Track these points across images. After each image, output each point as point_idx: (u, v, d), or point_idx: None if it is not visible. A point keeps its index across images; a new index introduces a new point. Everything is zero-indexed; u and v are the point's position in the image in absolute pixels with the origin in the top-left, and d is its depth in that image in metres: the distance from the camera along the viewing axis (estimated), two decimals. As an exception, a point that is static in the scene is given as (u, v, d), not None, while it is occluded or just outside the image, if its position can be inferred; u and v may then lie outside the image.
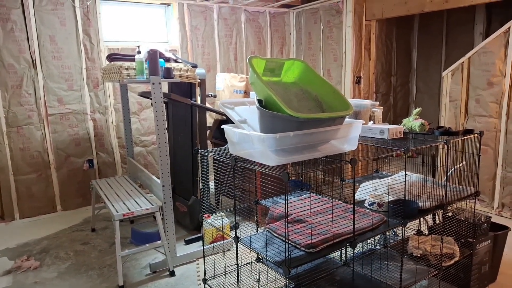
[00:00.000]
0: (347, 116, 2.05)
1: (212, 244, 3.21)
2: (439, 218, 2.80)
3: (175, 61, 3.30)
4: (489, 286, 2.58)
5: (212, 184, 4.76)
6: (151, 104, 3.43)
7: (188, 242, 3.47)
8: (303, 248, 1.56)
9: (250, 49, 5.60)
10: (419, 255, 2.15)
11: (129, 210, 2.81)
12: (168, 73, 2.92)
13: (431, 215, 2.76)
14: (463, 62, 4.07)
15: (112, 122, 4.62)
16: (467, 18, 5.69)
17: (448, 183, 2.23)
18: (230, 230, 3.46)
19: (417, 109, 2.52)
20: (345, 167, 2.60)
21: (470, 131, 2.23)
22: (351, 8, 5.03)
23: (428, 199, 2.06)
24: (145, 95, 3.74)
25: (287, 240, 1.58)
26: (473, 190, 2.23)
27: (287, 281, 1.63)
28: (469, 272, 2.33)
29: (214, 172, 3.92)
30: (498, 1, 3.79)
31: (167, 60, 3.21)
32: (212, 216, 3.32)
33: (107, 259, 3.21)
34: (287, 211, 1.92)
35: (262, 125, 1.66)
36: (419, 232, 2.51)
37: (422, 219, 2.67)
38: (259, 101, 1.69)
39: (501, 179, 3.78)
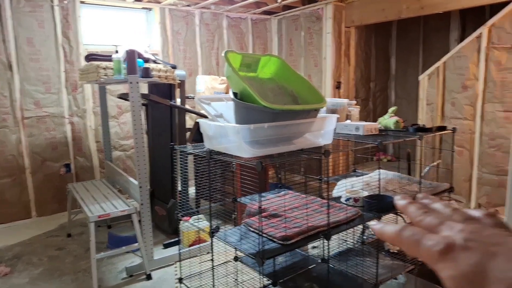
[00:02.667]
0: (324, 112, 2.07)
1: (189, 248, 3.16)
2: (416, 217, 2.82)
3: (154, 62, 3.28)
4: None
5: (192, 187, 4.71)
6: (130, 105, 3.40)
7: (166, 246, 3.41)
8: (278, 241, 1.55)
9: (232, 54, 5.61)
10: (395, 251, 2.17)
11: (105, 211, 2.75)
12: (146, 72, 2.90)
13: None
14: (438, 66, 4.17)
15: (90, 126, 4.55)
16: (442, 25, 5.85)
17: (423, 179, 2.26)
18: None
19: (393, 108, 2.56)
20: (324, 166, 2.61)
21: (443, 128, 2.28)
22: (330, 15, 5.11)
23: (403, 194, 2.08)
24: (124, 96, 3.70)
25: (261, 232, 1.56)
26: (448, 186, 2.26)
27: (261, 271, 1.61)
28: (445, 268, 2.34)
29: (194, 173, 3.87)
30: (471, 7, 3.91)
31: (146, 60, 3.19)
32: (191, 219, 3.28)
33: (82, 264, 3.13)
34: (264, 206, 1.91)
35: (237, 117, 1.66)
36: (396, 230, 2.52)
37: (399, 216, 2.70)
38: (235, 94, 1.69)
39: (477, 180, 3.86)
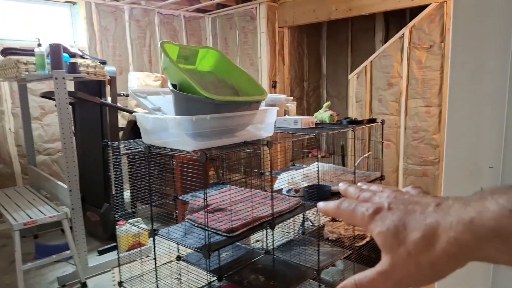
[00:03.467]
0: (263, 105, 2.09)
1: (129, 252, 3.02)
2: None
3: (82, 57, 3.08)
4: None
5: (127, 190, 4.50)
6: (56, 105, 3.13)
7: (102, 253, 3.21)
8: (224, 234, 1.53)
9: (165, 53, 5.47)
10: (334, 239, 2.25)
11: (31, 219, 2.52)
12: (73, 68, 2.71)
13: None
14: (366, 65, 4.42)
15: (10, 129, 4.15)
16: (368, 27, 6.22)
17: (356, 169, 2.37)
18: (149, 237, 3.30)
19: (327, 103, 2.66)
20: (264, 161, 2.64)
21: (373, 120, 2.41)
22: (264, 14, 5.19)
23: (339, 183, 2.17)
24: (48, 95, 3.43)
25: (206, 225, 1.53)
26: (379, 174, 2.41)
27: (208, 267, 1.57)
28: (379, 252, 2.48)
29: (128, 175, 3.70)
30: (394, 10, 4.21)
31: (73, 55, 2.99)
32: (127, 222, 3.13)
33: (5, 279, 2.84)
34: (207, 202, 1.87)
35: (177, 110, 1.61)
36: (333, 219, 2.63)
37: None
38: (174, 86, 1.64)
39: (403, 170, 4.16)
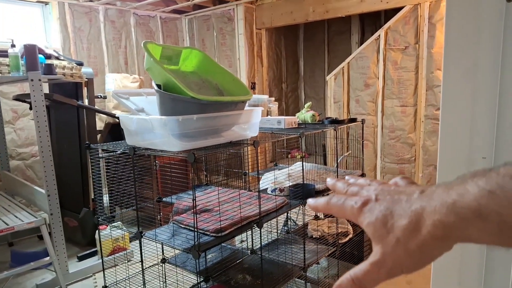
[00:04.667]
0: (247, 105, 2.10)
1: (113, 256, 2.95)
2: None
3: (57, 58, 3.00)
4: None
5: (106, 193, 4.41)
6: (30, 108, 3.03)
7: (81, 258, 3.14)
8: (212, 234, 1.53)
9: (142, 53, 5.40)
10: (318, 236, 2.28)
11: (7, 225, 2.44)
12: (49, 69, 2.64)
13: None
14: (343, 66, 4.50)
15: (-20, 133, 3.99)
16: (344, 29, 6.34)
17: (338, 168, 2.42)
18: (130, 241, 3.25)
19: (308, 103, 2.70)
20: (248, 162, 2.65)
21: (354, 120, 2.46)
22: (241, 16, 5.20)
23: (322, 182, 2.21)
24: (21, 98, 3.32)
25: (195, 225, 1.52)
26: (360, 173, 2.46)
27: (197, 267, 1.56)
28: (362, 249, 2.54)
29: (106, 178, 3.62)
30: (370, 12, 4.30)
31: (48, 57, 2.91)
32: (109, 226, 3.07)
33: (-21, 289, 2.73)
34: (195, 202, 1.86)
35: (162, 110, 1.60)
36: (316, 217, 2.66)
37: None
38: (158, 86, 1.63)
39: (381, 169, 4.25)
